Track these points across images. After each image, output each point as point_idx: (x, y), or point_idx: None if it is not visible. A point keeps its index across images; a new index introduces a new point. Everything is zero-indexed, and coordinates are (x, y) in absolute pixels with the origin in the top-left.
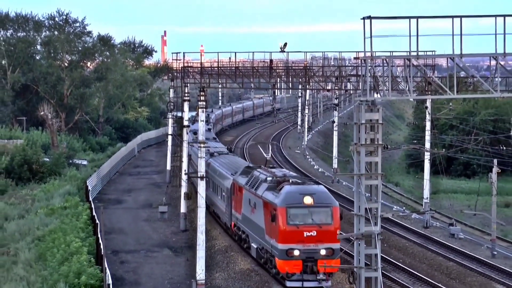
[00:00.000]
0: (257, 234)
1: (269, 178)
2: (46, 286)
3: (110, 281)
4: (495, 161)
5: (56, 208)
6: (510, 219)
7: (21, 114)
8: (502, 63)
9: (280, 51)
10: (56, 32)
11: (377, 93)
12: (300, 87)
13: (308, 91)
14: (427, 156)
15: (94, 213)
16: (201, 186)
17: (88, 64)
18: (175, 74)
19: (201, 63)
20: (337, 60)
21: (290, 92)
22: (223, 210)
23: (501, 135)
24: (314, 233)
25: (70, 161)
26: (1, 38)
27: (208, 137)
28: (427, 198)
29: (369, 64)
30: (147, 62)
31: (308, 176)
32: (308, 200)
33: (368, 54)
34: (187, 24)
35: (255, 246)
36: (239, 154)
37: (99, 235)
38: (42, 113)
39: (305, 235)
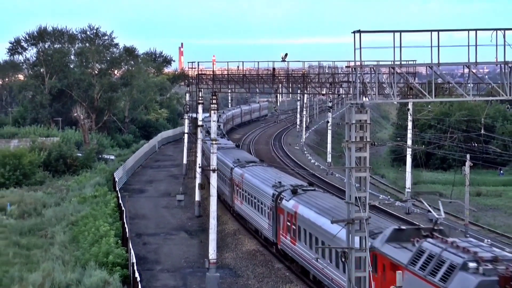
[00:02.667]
0: None
1: (472, 265)
2: (79, 264)
3: (134, 260)
4: (468, 156)
5: (88, 197)
6: (481, 206)
7: (57, 115)
8: (474, 71)
9: (281, 61)
10: (87, 44)
11: (365, 97)
12: (299, 91)
13: (306, 95)
14: (409, 151)
15: (120, 201)
16: (213, 178)
17: (115, 71)
18: (191, 80)
19: (213, 71)
20: (331, 68)
21: (290, 96)
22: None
23: (473, 134)
24: None
25: (100, 156)
26: (40, 49)
27: (218, 134)
28: (408, 188)
29: (358, 72)
30: (166, 70)
31: (306, 169)
32: None
33: (358, 63)
34: (201, 37)
35: None
36: (246, 149)
37: (124, 220)
38: (75, 114)
39: None
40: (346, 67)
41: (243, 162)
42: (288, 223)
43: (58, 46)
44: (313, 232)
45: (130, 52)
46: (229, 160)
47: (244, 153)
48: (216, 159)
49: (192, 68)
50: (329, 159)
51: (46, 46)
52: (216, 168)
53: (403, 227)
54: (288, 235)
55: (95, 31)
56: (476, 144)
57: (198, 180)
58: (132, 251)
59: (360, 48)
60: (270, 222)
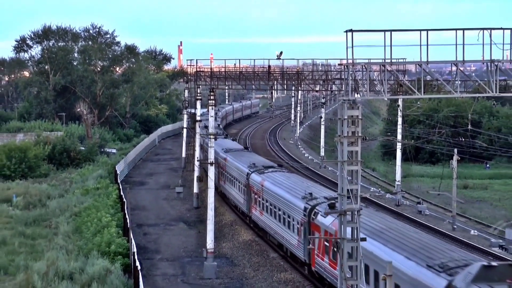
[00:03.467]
0: None
1: None
2: (82, 254)
3: (135, 250)
4: (455, 150)
5: (90, 189)
6: (468, 198)
7: (61, 111)
8: (462, 68)
9: (276, 58)
10: (90, 42)
11: (357, 94)
12: (293, 88)
13: (300, 92)
14: (398, 146)
15: (121, 193)
16: (211, 171)
17: (117, 69)
18: (189, 77)
19: (211, 68)
20: (324, 66)
21: (285, 93)
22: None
23: (460, 129)
24: None
25: (102, 150)
26: (45, 47)
27: (220, 134)
28: (398, 181)
29: (350, 70)
30: (166, 67)
31: (300, 162)
32: None
33: (350, 61)
34: (199, 36)
35: None
36: (243, 143)
37: (125, 211)
38: (78, 109)
39: None
40: (338, 64)
41: (260, 167)
42: (327, 244)
43: (62, 44)
44: (371, 263)
45: (131, 50)
46: (243, 165)
47: (257, 156)
48: (228, 163)
49: (190, 65)
50: (322, 153)
51: (51, 44)
52: (213, 162)
53: (494, 264)
54: (326, 257)
55: (97, 29)
56: (463, 139)
57: (196, 173)
58: (133, 241)
59: (352, 46)
60: (301, 239)
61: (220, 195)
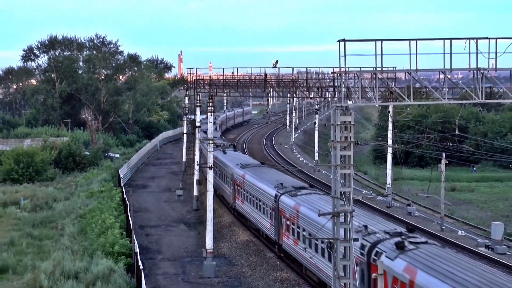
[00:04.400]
0: None
1: None
2: (86, 254)
3: (137, 250)
4: (444, 154)
5: (95, 192)
6: (455, 200)
7: (66, 117)
8: (449, 76)
9: (272, 67)
10: (94, 52)
11: (349, 100)
12: (288, 95)
13: (295, 99)
14: (389, 150)
15: (125, 196)
16: (210, 174)
17: (120, 77)
18: (189, 85)
19: (210, 76)
20: (318, 74)
21: (281, 100)
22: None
23: (448, 134)
24: None
25: (106, 154)
26: (51, 57)
27: (215, 135)
28: (389, 183)
29: (343, 77)
30: (167, 75)
31: (295, 166)
32: None
33: (343, 69)
34: (199, 45)
35: None
36: (241, 149)
37: (128, 213)
38: (83, 116)
39: None
40: (331, 73)
41: (290, 188)
42: None
43: (68, 53)
44: None
45: (133, 59)
46: (268, 184)
47: (281, 174)
48: (248, 181)
49: (190, 73)
50: (316, 157)
51: (57, 53)
52: (212, 166)
53: None
54: None
55: (101, 39)
56: (451, 144)
57: (196, 177)
58: (135, 241)
59: (345, 55)
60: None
61: (236, 214)
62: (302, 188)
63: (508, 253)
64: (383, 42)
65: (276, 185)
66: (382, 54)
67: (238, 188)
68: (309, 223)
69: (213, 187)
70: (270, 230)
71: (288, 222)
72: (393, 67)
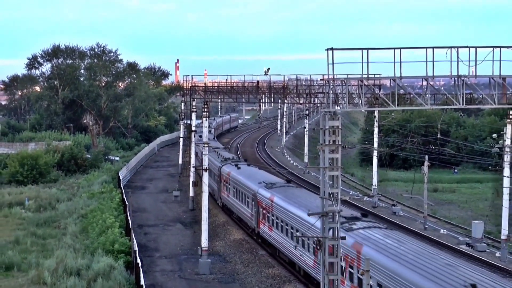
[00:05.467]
0: None
1: None
2: (88, 252)
3: (136, 248)
4: (426, 157)
5: (96, 193)
6: (438, 201)
7: (69, 122)
8: (432, 83)
9: (264, 74)
10: (95, 60)
11: (337, 106)
12: (279, 101)
13: (285, 104)
14: (375, 153)
15: (124, 197)
16: (205, 176)
17: (120, 84)
18: (185, 91)
19: (205, 83)
20: (308, 81)
21: (272, 105)
22: None
23: (430, 138)
24: None
25: (106, 158)
26: (54, 65)
27: (210, 138)
28: (375, 185)
29: (331, 84)
30: (164, 82)
31: (286, 168)
32: None
33: (331, 76)
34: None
35: None
36: (234, 152)
37: (128, 213)
38: (85, 121)
39: None
40: (320, 79)
41: (342, 219)
42: None
43: (70, 61)
44: None
45: (132, 67)
46: (299, 207)
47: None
48: (279, 205)
49: (186, 80)
50: (306, 160)
51: (59, 61)
52: (207, 168)
53: None
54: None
55: (102, 48)
56: (433, 147)
57: (192, 178)
58: (134, 240)
59: (333, 63)
60: None
61: (261, 240)
62: (356, 219)
63: (487, 250)
64: (369, 50)
65: (306, 208)
66: (368, 62)
67: (264, 211)
68: (392, 278)
69: (226, 205)
70: (313, 269)
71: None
72: (379, 74)
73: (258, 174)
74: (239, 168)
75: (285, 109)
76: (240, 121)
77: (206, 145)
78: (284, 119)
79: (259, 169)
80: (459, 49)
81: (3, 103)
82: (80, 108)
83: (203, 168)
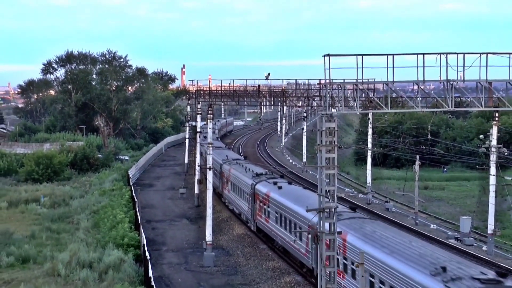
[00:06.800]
0: None
1: None
2: (99, 245)
3: (145, 242)
4: (417, 156)
5: (107, 190)
6: (428, 197)
7: (81, 124)
8: (422, 87)
9: (265, 79)
10: (106, 65)
11: (333, 109)
12: (279, 104)
13: (285, 107)
14: (369, 153)
15: (133, 194)
16: (209, 174)
17: (129, 88)
18: (191, 95)
19: (209, 87)
20: (306, 85)
21: (272, 108)
22: None
23: (421, 138)
24: None
25: (116, 157)
26: (68, 70)
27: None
28: (369, 183)
29: (328, 88)
30: (171, 86)
31: (285, 167)
32: None
33: (328, 81)
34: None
35: None
36: (237, 151)
37: (137, 209)
38: (96, 123)
39: None
40: (318, 84)
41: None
42: None
43: (83, 67)
44: None
45: (141, 72)
46: (420, 268)
47: (415, 239)
48: (353, 246)
49: (192, 85)
50: (304, 159)
51: (73, 67)
52: (211, 167)
53: None
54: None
55: (112, 54)
56: (424, 147)
57: (197, 177)
58: (143, 234)
59: (330, 68)
60: None
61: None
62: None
63: (474, 244)
64: (364, 56)
65: (436, 271)
66: (362, 67)
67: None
68: None
69: (264, 231)
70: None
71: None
72: (372, 79)
73: (309, 198)
74: (280, 188)
75: (284, 112)
76: (236, 123)
77: (210, 145)
78: (284, 121)
79: (304, 188)
80: (448, 55)
81: (20, 106)
82: (92, 111)
83: (208, 167)
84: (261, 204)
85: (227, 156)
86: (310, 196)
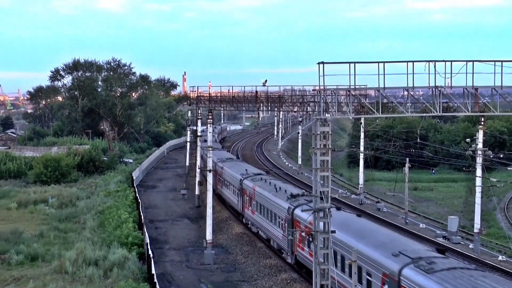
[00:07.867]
0: None
1: None
2: (105, 244)
3: (148, 241)
4: (407, 159)
5: (112, 191)
6: (417, 198)
7: (88, 128)
8: (412, 93)
9: (262, 85)
10: (111, 73)
11: (327, 114)
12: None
13: (281, 112)
14: (361, 155)
15: (137, 195)
16: (209, 176)
17: (133, 94)
18: (192, 101)
19: (209, 93)
20: (301, 91)
21: (269, 113)
22: None
23: (411, 142)
24: None
25: (121, 160)
26: (75, 77)
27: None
28: (361, 184)
29: (322, 94)
30: (173, 92)
31: (281, 169)
32: None
33: (322, 87)
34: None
35: None
36: (235, 154)
37: (140, 210)
38: (102, 127)
39: None
40: (312, 90)
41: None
42: None
43: (89, 74)
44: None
45: (144, 79)
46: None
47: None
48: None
49: (193, 91)
50: (299, 162)
51: (79, 74)
52: (212, 169)
53: None
54: None
55: (117, 62)
56: (413, 150)
57: (197, 178)
58: (146, 233)
59: (324, 75)
60: None
61: None
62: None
63: (462, 242)
64: (356, 64)
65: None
66: (355, 74)
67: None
68: None
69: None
70: None
71: None
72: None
73: (374, 232)
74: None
75: (281, 117)
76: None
77: (210, 149)
78: (280, 126)
79: (358, 216)
80: (436, 62)
81: (29, 111)
82: (98, 116)
83: (208, 169)
84: (304, 234)
85: (246, 170)
86: (375, 230)
